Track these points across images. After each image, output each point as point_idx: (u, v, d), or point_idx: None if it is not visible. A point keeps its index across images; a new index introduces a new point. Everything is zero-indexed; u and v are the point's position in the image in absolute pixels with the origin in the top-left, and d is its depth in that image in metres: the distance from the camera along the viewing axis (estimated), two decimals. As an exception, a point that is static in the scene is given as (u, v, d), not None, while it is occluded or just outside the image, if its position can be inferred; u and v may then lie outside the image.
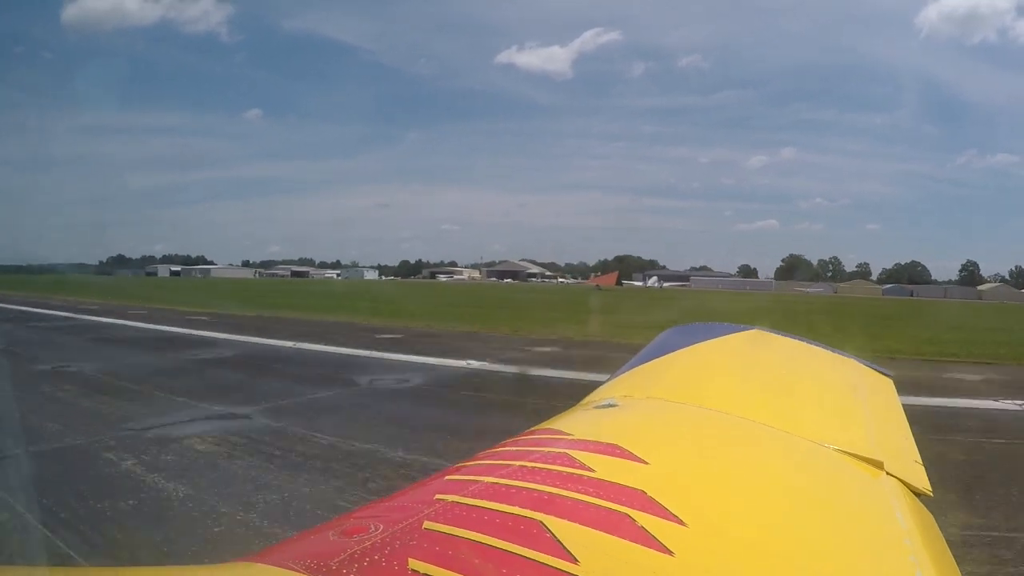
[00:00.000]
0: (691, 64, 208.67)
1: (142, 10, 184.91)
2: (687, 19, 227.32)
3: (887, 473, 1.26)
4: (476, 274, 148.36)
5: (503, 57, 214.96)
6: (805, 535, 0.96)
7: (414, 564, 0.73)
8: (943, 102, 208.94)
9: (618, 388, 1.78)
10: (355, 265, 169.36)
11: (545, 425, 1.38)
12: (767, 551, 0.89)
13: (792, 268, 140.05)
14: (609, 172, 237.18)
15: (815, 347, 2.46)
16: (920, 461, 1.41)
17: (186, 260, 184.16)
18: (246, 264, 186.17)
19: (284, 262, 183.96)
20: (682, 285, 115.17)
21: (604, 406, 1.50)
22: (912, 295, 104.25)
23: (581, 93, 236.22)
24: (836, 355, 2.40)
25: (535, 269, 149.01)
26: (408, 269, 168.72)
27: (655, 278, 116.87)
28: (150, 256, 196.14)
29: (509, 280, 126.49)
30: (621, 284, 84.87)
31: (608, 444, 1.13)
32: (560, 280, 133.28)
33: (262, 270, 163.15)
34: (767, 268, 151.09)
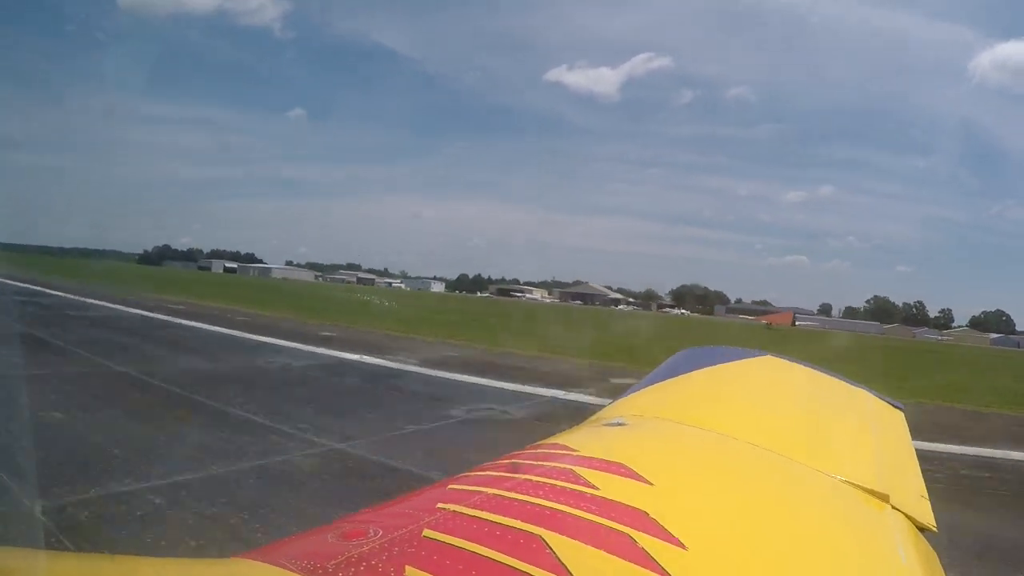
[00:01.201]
0: (738, 96, 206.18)
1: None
2: (738, 51, 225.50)
3: (892, 507, 1.24)
4: (546, 294, 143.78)
5: (552, 75, 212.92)
6: (806, 565, 0.95)
7: (411, 572, 0.72)
8: (985, 150, 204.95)
9: (628, 407, 1.77)
10: (419, 277, 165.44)
11: (551, 440, 1.38)
12: None
13: (881, 311, 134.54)
14: (644, 198, 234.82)
15: (826, 376, 2.40)
16: (927, 496, 1.38)
17: (235, 256, 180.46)
18: (289, 264, 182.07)
19: (348, 267, 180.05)
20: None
21: (613, 424, 1.51)
22: (1019, 346, 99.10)
23: (625, 117, 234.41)
24: (847, 385, 2.35)
25: (614, 295, 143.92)
26: (471, 284, 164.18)
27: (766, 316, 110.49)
28: (197, 249, 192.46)
29: (589, 304, 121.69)
30: (795, 324, 79.79)
31: (613, 462, 1.13)
32: (680, 312, 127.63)
33: (323, 275, 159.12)
34: (811, 303, 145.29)
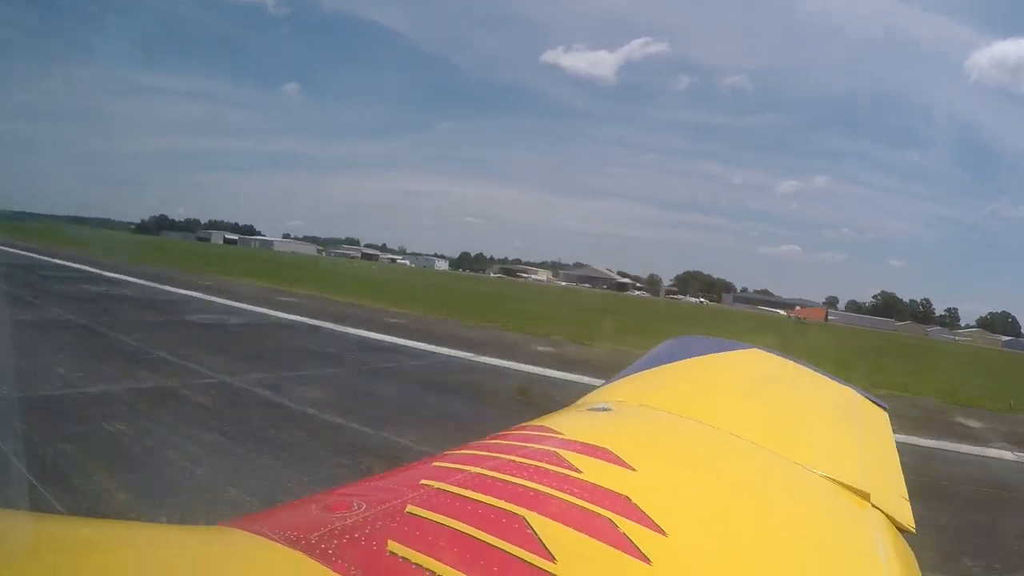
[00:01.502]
0: (735, 84, 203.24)
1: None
2: (736, 40, 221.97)
3: (872, 505, 1.25)
4: (551, 275, 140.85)
5: (549, 56, 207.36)
6: (783, 558, 0.96)
7: (393, 546, 0.73)
8: (982, 147, 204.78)
9: (613, 393, 1.78)
10: (420, 254, 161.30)
11: (537, 422, 1.38)
12: (743, 569, 0.89)
13: (888, 306, 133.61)
14: (639, 183, 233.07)
15: (812, 372, 2.41)
16: (907, 497, 1.39)
17: (233, 228, 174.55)
18: (287, 236, 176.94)
19: (347, 241, 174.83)
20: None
21: (598, 409, 1.51)
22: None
23: (621, 101, 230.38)
24: (833, 382, 2.36)
25: (619, 279, 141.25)
26: (473, 263, 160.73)
27: (796, 309, 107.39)
28: (194, 219, 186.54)
29: (596, 287, 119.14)
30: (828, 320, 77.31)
31: (597, 447, 1.14)
32: (700, 300, 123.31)
33: (325, 249, 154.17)
34: (816, 296, 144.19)
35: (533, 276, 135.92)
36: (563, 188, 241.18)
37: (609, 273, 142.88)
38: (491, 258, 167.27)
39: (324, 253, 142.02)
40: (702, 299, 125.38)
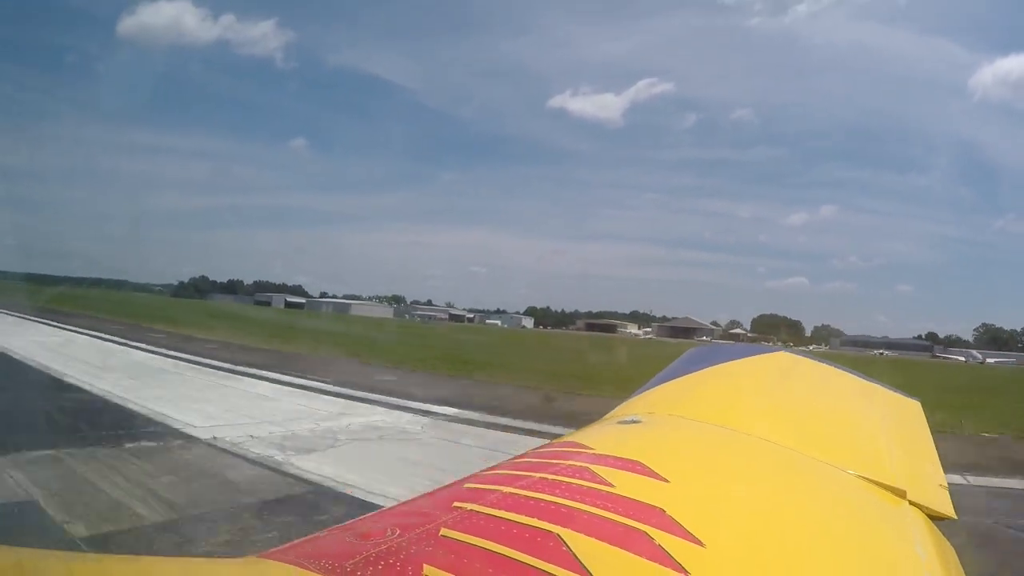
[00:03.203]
0: (740, 118, 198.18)
1: (200, 29, 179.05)
2: (739, 74, 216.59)
3: (910, 502, 1.23)
4: (639, 330, 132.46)
5: (556, 101, 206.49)
6: (822, 562, 0.95)
7: (429, 571, 0.73)
8: (988, 166, 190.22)
9: (642, 405, 1.77)
10: (493, 312, 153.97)
11: (567, 438, 1.39)
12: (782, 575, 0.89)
13: (993, 339, 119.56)
14: (647, 223, 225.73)
15: (841, 372, 2.35)
16: (945, 485, 1.38)
17: (278, 289, 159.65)
18: (355, 298, 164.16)
19: (392, 299, 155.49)
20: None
21: (628, 422, 1.50)
22: None
23: (629, 142, 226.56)
24: (862, 380, 2.29)
25: (710, 327, 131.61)
26: (555, 318, 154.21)
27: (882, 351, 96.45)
28: (238, 280, 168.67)
29: (693, 338, 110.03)
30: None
31: (629, 460, 1.14)
32: (825, 347, 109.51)
33: (407, 310, 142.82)
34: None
35: (622, 331, 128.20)
36: (570, 234, 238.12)
37: (696, 322, 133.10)
38: (574, 312, 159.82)
39: (408, 316, 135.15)
40: (827, 346, 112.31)
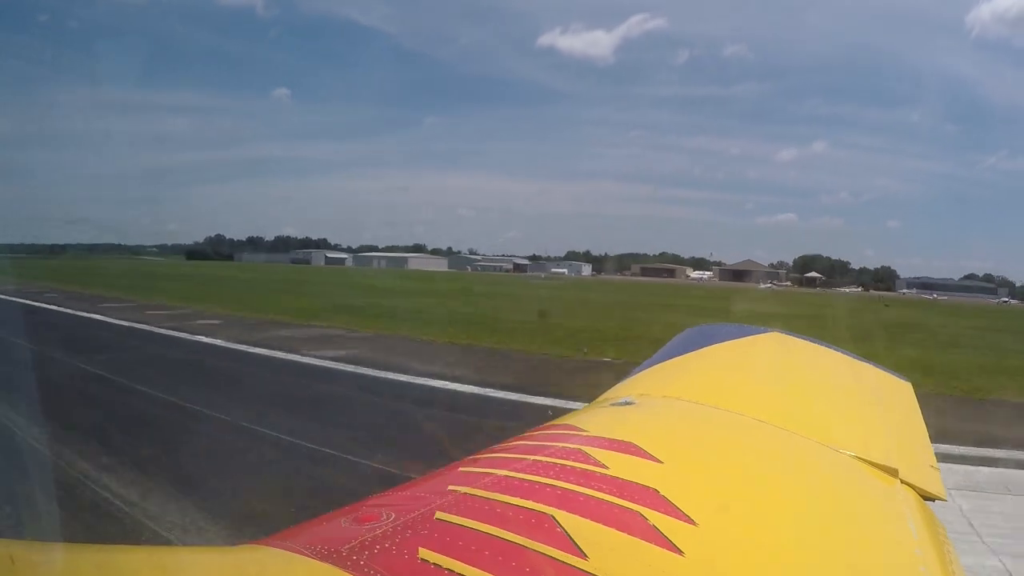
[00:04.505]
0: (735, 54, 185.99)
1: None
2: (732, 9, 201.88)
3: (901, 481, 1.24)
4: (694, 273, 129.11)
5: (546, 39, 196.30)
6: (815, 540, 0.97)
7: (424, 553, 0.75)
8: (984, 103, 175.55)
9: (635, 386, 1.77)
10: (549, 258, 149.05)
11: (561, 421, 1.40)
12: (776, 554, 0.90)
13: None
14: (636, 160, 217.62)
15: (834, 352, 2.33)
16: (936, 466, 1.38)
17: (304, 243, 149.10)
18: (393, 249, 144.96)
19: (413, 248, 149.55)
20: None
21: (621, 404, 1.51)
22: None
23: (619, 80, 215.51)
24: (855, 361, 2.28)
25: (809, 275, 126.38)
26: (612, 263, 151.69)
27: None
28: (258, 237, 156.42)
29: (752, 282, 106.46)
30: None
31: (623, 442, 1.15)
32: (933, 295, 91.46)
33: (471, 263, 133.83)
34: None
35: (688, 275, 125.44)
36: (559, 172, 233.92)
37: (754, 264, 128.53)
38: (621, 256, 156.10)
39: (470, 267, 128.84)
40: (935, 294, 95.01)
